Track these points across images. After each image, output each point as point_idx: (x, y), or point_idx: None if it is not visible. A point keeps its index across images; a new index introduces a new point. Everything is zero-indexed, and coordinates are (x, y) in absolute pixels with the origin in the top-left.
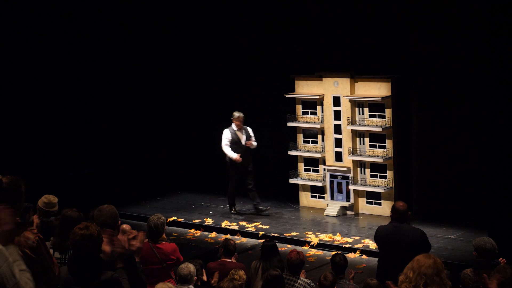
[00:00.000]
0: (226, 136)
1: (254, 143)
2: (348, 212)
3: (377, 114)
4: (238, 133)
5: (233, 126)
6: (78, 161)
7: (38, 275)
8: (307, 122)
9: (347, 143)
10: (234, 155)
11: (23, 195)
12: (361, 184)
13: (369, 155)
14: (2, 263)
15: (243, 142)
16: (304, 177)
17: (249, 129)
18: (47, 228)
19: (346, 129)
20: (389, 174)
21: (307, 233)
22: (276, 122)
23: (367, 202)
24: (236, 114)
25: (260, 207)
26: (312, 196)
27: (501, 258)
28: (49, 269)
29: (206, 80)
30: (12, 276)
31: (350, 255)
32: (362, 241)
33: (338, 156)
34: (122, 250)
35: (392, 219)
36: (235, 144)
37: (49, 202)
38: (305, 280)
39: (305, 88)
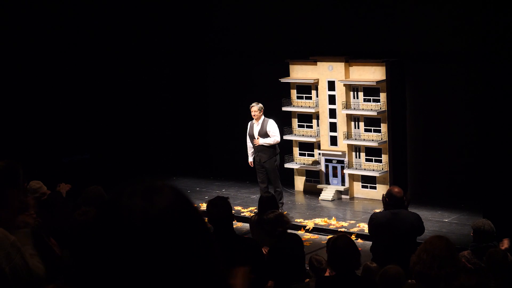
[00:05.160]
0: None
1: (258, 141)
2: (343, 196)
3: (371, 98)
4: (254, 126)
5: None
6: (73, 147)
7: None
8: (301, 106)
9: (342, 127)
10: (249, 158)
11: (21, 179)
12: (356, 168)
13: (364, 139)
14: (15, 254)
15: (256, 137)
16: (299, 162)
17: (270, 123)
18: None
19: (341, 113)
20: (384, 158)
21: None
22: (270, 107)
23: (362, 186)
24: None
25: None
26: (307, 181)
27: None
28: (51, 252)
29: (199, 65)
30: (25, 266)
31: None
32: (357, 225)
33: (333, 141)
34: None
35: (388, 205)
36: (251, 138)
37: (30, 188)
38: None
39: (300, 73)
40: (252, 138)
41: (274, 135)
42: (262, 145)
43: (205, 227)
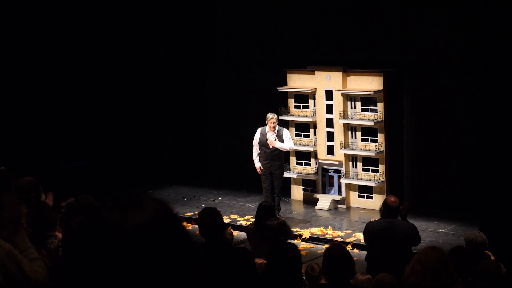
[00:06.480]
0: (255, 136)
1: (275, 143)
2: (339, 205)
3: (369, 108)
4: (269, 135)
5: (267, 127)
6: (70, 154)
7: None
8: (299, 115)
9: (339, 136)
10: (256, 164)
11: (12, 187)
12: (353, 178)
13: (361, 149)
14: (10, 263)
15: (270, 145)
16: (295, 171)
17: (285, 132)
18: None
19: (338, 123)
20: (381, 168)
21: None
22: None
23: (359, 196)
24: (268, 115)
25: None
26: (304, 190)
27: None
28: (39, 262)
29: (198, 73)
30: (21, 274)
31: None
32: (353, 234)
33: (330, 150)
34: None
35: (383, 214)
36: (263, 146)
37: None
38: None
39: (297, 82)
40: (266, 144)
41: (290, 143)
42: (275, 154)
43: (188, 244)
